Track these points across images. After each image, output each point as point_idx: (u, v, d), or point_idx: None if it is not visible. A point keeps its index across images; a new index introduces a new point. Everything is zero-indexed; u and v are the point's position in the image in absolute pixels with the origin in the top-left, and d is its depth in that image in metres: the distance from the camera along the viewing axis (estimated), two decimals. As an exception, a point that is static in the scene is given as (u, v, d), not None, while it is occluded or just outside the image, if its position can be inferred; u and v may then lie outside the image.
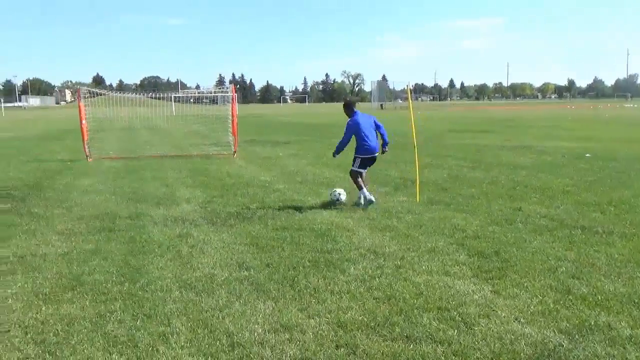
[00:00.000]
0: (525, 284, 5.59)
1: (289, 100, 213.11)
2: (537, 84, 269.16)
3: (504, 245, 6.97)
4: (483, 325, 4.64)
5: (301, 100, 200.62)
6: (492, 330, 4.53)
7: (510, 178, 12.35)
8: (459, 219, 8.46)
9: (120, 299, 5.38)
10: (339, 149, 9.60)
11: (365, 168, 9.65)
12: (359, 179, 9.53)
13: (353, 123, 9.41)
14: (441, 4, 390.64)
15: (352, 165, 9.59)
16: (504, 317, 4.80)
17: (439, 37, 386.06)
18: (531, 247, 6.86)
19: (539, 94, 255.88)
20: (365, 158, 9.50)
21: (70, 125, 39.28)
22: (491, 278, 5.80)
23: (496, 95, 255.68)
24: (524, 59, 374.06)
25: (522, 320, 4.73)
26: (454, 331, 4.53)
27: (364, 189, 9.47)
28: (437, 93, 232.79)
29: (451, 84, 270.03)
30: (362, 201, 9.45)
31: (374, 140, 9.50)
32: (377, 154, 9.61)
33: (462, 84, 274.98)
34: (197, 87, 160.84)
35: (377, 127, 9.67)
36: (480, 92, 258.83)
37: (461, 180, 12.16)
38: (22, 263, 6.64)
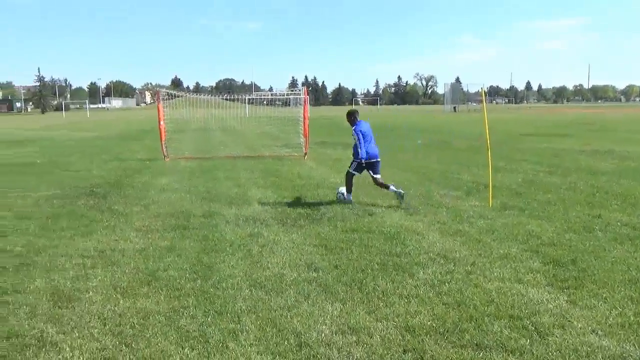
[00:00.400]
0: (604, 295, 5.36)
1: (360, 103, 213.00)
2: (621, 86, 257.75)
3: (582, 253, 6.71)
4: (557, 335, 4.48)
5: (373, 102, 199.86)
6: (567, 342, 4.37)
7: (589, 184, 11.86)
8: (533, 225, 8.21)
9: (193, 295, 5.54)
10: (361, 152, 9.95)
11: (361, 172, 10.28)
12: (352, 182, 10.28)
13: (359, 129, 10.08)
14: (519, 4, 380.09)
15: (350, 168, 10.28)
16: (580, 328, 4.62)
17: (515, 38, 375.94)
18: (611, 257, 6.56)
19: (622, 96, 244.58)
20: (367, 162, 10.10)
21: (149, 126, 40.84)
22: (567, 287, 5.59)
23: (576, 97, 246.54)
24: (606, 61, 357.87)
25: (599, 332, 4.54)
26: (527, 341, 4.40)
27: (350, 194, 10.27)
28: (513, 95, 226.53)
29: (528, 86, 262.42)
30: (345, 196, 10.26)
31: (374, 146, 10.20)
32: (378, 159, 10.22)
33: (539, 86, 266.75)
34: (270, 89, 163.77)
35: None
36: (559, 94, 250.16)
37: (536, 185, 11.79)
38: (102, 257, 6.96)
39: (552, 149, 20.17)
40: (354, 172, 10.23)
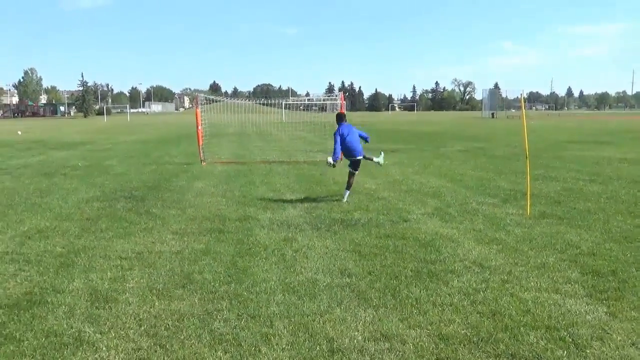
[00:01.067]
0: (645, 307, 5.21)
1: (396, 108, 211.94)
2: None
3: (622, 264, 6.53)
4: (596, 348, 4.37)
5: (409, 108, 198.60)
6: (606, 355, 4.25)
7: (631, 193, 11.55)
8: (572, 234, 8.03)
9: (227, 299, 5.59)
10: (335, 153, 10.96)
11: (355, 168, 11.23)
12: (351, 179, 11.20)
13: (338, 132, 11.09)
14: (558, 9, 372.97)
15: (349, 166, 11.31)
16: (620, 341, 4.49)
17: (555, 43, 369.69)
18: (653, 268, 6.38)
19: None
20: (351, 160, 11.17)
21: (187, 130, 41.41)
22: (606, 299, 5.45)
23: (619, 104, 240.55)
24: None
25: (639, 345, 4.41)
26: (563, 352, 4.30)
27: (348, 191, 11.18)
28: (554, 102, 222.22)
29: (569, 92, 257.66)
30: (345, 198, 11.03)
31: (356, 145, 11.15)
32: (359, 157, 11.16)
33: (580, 92, 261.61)
34: (307, 94, 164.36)
35: (360, 134, 11.52)
36: (601, 101, 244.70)
37: (576, 194, 11.53)
38: (139, 259, 7.07)
39: (592, 157, 19.71)
40: (350, 169, 11.25)
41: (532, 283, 5.94)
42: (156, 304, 5.50)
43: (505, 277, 6.14)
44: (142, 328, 4.92)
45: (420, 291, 5.73)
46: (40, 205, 10.86)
